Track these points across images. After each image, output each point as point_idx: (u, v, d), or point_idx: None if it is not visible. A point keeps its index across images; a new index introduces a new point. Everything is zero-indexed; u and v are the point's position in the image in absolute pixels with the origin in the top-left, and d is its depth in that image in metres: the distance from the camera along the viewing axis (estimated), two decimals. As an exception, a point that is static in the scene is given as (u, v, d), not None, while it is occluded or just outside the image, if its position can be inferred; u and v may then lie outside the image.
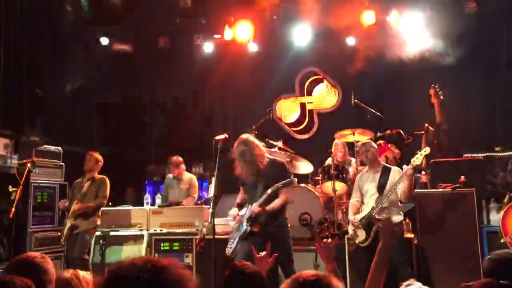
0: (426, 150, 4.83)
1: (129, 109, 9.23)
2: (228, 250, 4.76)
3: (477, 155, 6.24)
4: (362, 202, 5.33)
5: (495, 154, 6.36)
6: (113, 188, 6.48)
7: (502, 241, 4.02)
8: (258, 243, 4.66)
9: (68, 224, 6.05)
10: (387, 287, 2.77)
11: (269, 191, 4.54)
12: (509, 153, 6.25)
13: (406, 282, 2.70)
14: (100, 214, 6.23)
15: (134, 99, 9.07)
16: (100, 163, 6.42)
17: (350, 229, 5.31)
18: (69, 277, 2.54)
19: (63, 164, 7.14)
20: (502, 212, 4.14)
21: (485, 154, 6.21)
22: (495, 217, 5.54)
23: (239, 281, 2.69)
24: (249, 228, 4.63)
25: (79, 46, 8.27)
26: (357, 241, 5.22)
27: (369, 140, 5.55)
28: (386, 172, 5.19)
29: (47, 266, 2.41)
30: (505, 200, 5.71)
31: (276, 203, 4.66)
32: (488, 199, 5.78)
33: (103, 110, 8.79)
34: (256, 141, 4.79)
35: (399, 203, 5.15)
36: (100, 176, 6.37)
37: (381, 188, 5.10)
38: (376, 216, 5.03)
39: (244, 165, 4.71)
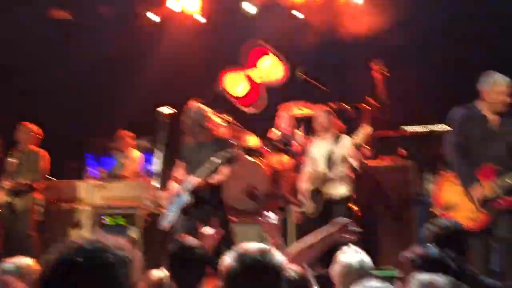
0: (367, 128, 4.95)
1: (70, 79, 8.86)
2: (164, 223, 4.74)
3: (416, 129, 6.50)
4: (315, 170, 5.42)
5: (433, 128, 6.64)
6: (53, 161, 6.24)
7: (433, 211, 4.25)
8: (200, 218, 4.70)
9: (2, 201, 5.67)
10: (327, 253, 2.88)
11: (215, 160, 4.53)
12: (446, 127, 6.55)
13: (344, 247, 2.84)
14: (40, 189, 5.95)
15: (75, 69, 8.71)
16: (34, 134, 5.95)
17: (302, 198, 5.39)
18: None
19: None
20: (435, 184, 4.37)
21: (424, 128, 6.47)
22: (430, 188, 5.83)
23: (183, 256, 2.70)
24: (193, 200, 4.63)
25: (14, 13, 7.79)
26: (306, 212, 5.32)
27: (326, 109, 5.58)
28: (336, 141, 5.25)
29: None
30: (440, 172, 6.02)
31: (218, 177, 4.67)
32: (426, 171, 6.06)
33: (43, 81, 8.38)
34: (208, 111, 4.80)
35: (348, 175, 5.23)
36: (36, 149, 5.95)
37: (329, 159, 5.18)
38: (322, 190, 5.14)
39: (196, 131, 4.68)
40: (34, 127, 5.99)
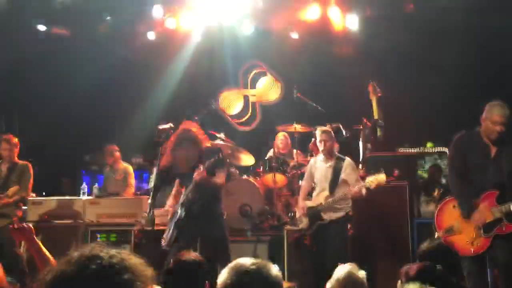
0: (382, 177, 4.90)
1: (66, 96, 8.88)
2: (163, 242, 4.66)
3: (410, 150, 6.54)
4: (312, 187, 5.37)
5: (426, 150, 6.68)
6: (48, 178, 6.18)
7: (436, 236, 4.25)
8: (193, 236, 4.58)
9: None
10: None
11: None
12: (439, 149, 6.60)
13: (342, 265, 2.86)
14: (23, 204, 5.81)
15: (72, 85, 8.73)
16: (17, 147, 5.78)
17: (298, 213, 5.36)
18: None
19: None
20: (436, 208, 4.37)
21: (417, 150, 6.52)
22: (425, 209, 5.85)
23: (180, 272, 2.65)
24: (183, 213, 4.54)
25: (13, 28, 7.83)
26: (300, 226, 5.31)
27: (330, 130, 5.43)
28: (338, 166, 5.15)
29: None
30: (435, 194, 6.04)
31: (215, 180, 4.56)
32: (419, 192, 6.08)
33: (38, 97, 8.39)
34: (200, 136, 4.73)
35: (348, 198, 5.13)
36: (22, 162, 5.76)
37: (332, 185, 5.11)
38: (322, 214, 5.11)
39: (185, 157, 4.65)
40: (15, 139, 5.80)
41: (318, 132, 5.27)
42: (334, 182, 5.11)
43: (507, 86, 6.84)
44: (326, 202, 5.09)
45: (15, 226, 2.86)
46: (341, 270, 2.88)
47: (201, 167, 4.40)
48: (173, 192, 4.94)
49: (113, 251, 1.28)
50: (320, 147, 5.23)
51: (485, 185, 4.06)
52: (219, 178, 4.58)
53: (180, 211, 4.57)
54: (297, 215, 5.39)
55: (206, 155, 4.59)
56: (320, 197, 5.18)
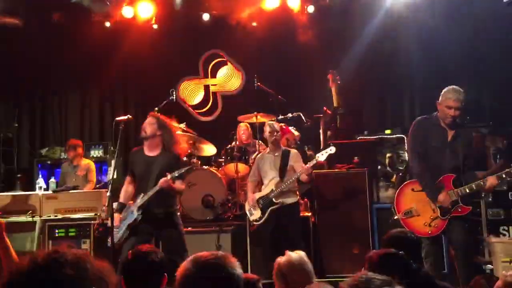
0: (332, 149, 5.01)
1: (20, 88, 8.58)
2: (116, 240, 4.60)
3: (369, 137, 6.66)
4: (260, 182, 5.47)
5: (385, 136, 6.82)
6: (2, 173, 5.98)
7: (395, 217, 4.35)
8: (148, 235, 4.56)
9: None
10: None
11: (169, 176, 4.46)
12: (397, 135, 6.75)
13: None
14: None
15: (26, 77, 8.44)
16: None
17: (247, 206, 5.44)
18: None
19: None
20: (396, 191, 4.48)
21: (376, 137, 6.64)
22: (384, 195, 5.99)
23: (138, 265, 2.62)
24: (140, 216, 4.52)
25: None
26: (251, 219, 5.39)
27: (275, 122, 5.64)
28: (286, 155, 5.38)
29: None
30: (393, 179, 6.18)
31: (175, 187, 4.61)
32: (378, 178, 6.22)
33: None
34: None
35: (296, 184, 5.35)
36: None
37: (281, 172, 5.29)
38: (274, 200, 5.20)
39: (159, 140, 4.66)
40: None
41: (267, 125, 5.51)
42: (283, 169, 5.30)
43: (467, 71, 7.12)
44: (277, 187, 5.17)
45: None
46: (281, 259, 2.88)
47: (168, 175, 4.45)
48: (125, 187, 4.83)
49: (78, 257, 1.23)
50: (270, 139, 5.42)
51: (442, 168, 4.20)
52: (181, 184, 4.70)
53: (136, 214, 4.52)
54: (246, 208, 5.44)
55: (168, 158, 4.65)
56: (270, 185, 5.30)
